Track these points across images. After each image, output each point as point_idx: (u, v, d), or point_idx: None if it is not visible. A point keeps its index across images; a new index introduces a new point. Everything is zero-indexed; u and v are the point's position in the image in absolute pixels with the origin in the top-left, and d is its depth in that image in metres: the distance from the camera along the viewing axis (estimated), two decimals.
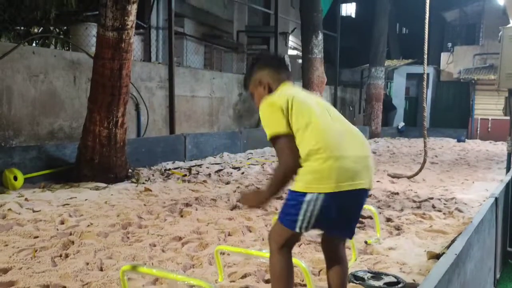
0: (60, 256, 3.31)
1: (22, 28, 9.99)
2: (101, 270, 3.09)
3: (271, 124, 2.11)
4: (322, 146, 2.03)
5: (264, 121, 2.15)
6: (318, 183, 2.02)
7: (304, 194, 2.04)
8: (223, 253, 3.39)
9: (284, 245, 2.13)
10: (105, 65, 5.88)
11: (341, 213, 2.08)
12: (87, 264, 3.13)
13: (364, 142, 2.20)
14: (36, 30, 10.30)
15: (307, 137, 2.05)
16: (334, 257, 2.31)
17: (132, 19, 5.94)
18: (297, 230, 2.09)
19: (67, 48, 9.83)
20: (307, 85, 12.00)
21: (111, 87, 5.93)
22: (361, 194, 2.14)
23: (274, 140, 2.10)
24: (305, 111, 2.11)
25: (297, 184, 2.07)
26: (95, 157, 6.08)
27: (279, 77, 2.27)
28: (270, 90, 2.27)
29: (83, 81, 7.62)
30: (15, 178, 5.55)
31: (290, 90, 2.23)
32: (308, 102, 2.16)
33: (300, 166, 2.07)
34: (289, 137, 2.08)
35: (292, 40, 18.97)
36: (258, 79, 2.30)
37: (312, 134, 2.05)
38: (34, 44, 9.85)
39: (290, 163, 2.07)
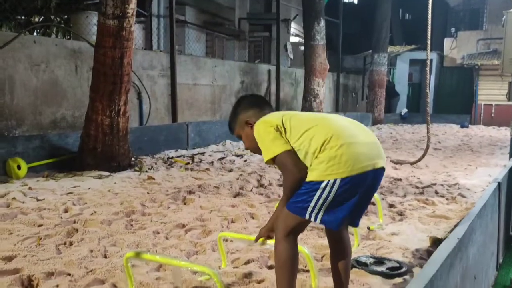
0: (64, 244, 3.33)
1: (23, 17, 9.96)
2: (105, 257, 3.11)
3: (267, 146, 2.12)
4: (334, 134, 2.04)
5: (259, 142, 2.17)
6: (334, 169, 2.00)
7: (320, 182, 2.01)
8: (226, 240, 3.40)
9: (290, 233, 2.11)
10: (106, 54, 5.86)
11: (357, 197, 2.06)
12: (91, 251, 3.15)
13: (370, 131, 2.23)
14: (36, 19, 10.27)
15: (317, 132, 2.06)
16: (338, 242, 2.31)
17: (132, 7, 5.91)
18: (307, 217, 2.05)
19: (68, 37, 9.81)
20: (309, 72, 11.96)
21: (112, 75, 5.92)
22: (378, 175, 2.14)
23: (274, 159, 2.11)
24: (305, 117, 2.19)
25: (311, 174, 2.04)
26: (97, 146, 6.09)
27: (264, 114, 2.28)
28: None
29: (84, 70, 7.61)
30: (19, 167, 5.58)
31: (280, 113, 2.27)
32: (304, 112, 2.27)
33: (305, 177, 2.07)
34: (288, 151, 2.08)
35: (294, 27, 18.85)
36: (243, 120, 2.31)
37: (321, 128, 2.07)
38: (35, 34, 9.83)
39: (296, 173, 2.06)
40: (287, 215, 2.10)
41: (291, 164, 2.07)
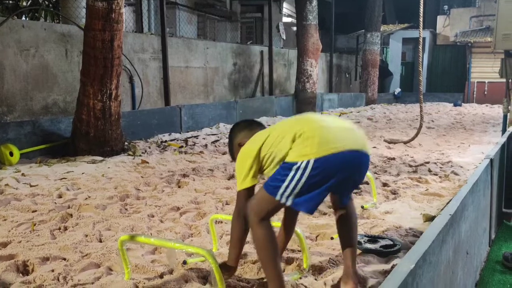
0: (59, 229, 3.33)
1: (10, 1, 9.78)
2: (100, 241, 3.11)
3: (238, 178, 2.25)
4: (309, 123, 2.12)
5: (236, 170, 2.29)
6: (308, 151, 2.01)
7: (294, 163, 2.03)
8: (221, 222, 3.42)
9: (264, 218, 2.12)
10: (96, 37, 5.78)
11: (335, 180, 2.05)
12: (86, 236, 3.15)
13: (348, 122, 2.24)
14: (24, 3, 10.09)
15: (293, 126, 2.12)
16: (342, 212, 2.36)
17: None
18: (278, 197, 2.05)
19: (57, 20, 9.65)
20: (302, 52, 11.89)
21: (103, 59, 5.86)
22: (358, 157, 2.09)
23: (239, 191, 2.26)
24: (284, 127, 2.21)
25: (289, 156, 2.07)
26: (90, 131, 6.05)
27: (255, 133, 2.34)
28: None
29: (75, 54, 7.52)
30: (11, 154, 5.54)
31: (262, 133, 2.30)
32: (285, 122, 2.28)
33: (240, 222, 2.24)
34: (246, 190, 2.22)
35: (287, 7, 18.68)
36: (237, 143, 2.42)
37: (296, 123, 2.16)
38: (23, 18, 9.66)
39: (235, 214, 2.29)
40: (262, 195, 2.12)
41: (239, 204, 2.26)
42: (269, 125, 2.41)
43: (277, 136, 2.13)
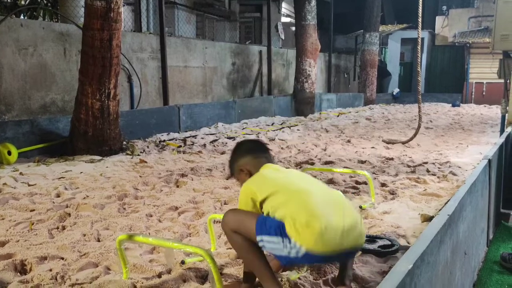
0: (57, 228, 3.32)
1: (8, 0, 9.76)
2: (98, 241, 3.11)
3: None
4: (306, 213, 2.03)
5: (239, 200, 2.30)
6: (303, 238, 2.00)
7: (289, 237, 2.03)
8: (219, 222, 3.41)
9: (237, 232, 2.19)
10: (94, 36, 5.78)
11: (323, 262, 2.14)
12: (84, 235, 3.15)
13: (344, 207, 2.15)
14: (23, 2, 10.08)
15: (293, 209, 2.07)
16: None
17: None
18: (259, 239, 2.11)
19: (56, 19, 9.64)
20: (300, 52, 11.90)
21: (101, 58, 5.85)
22: (351, 253, 2.16)
23: None
24: (285, 192, 2.16)
25: (286, 224, 2.04)
26: (88, 130, 6.05)
27: (259, 162, 2.36)
28: (251, 175, 2.36)
29: (73, 53, 7.51)
30: (9, 153, 5.53)
31: (266, 172, 2.29)
32: (286, 180, 2.23)
33: None
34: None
35: (285, 7, 18.68)
36: (239, 167, 2.41)
37: (296, 205, 2.08)
38: (22, 17, 9.65)
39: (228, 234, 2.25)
40: (248, 222, 2.15)
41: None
42: (273, 160, 2.41)
43: (279, 203, 2.11)
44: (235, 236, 2.20)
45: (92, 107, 5.98)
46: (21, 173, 5.00)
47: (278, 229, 2.06)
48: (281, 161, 5.89)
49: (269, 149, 2.49)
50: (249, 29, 17.32)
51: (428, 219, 3.48)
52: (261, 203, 2.18)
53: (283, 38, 16.21)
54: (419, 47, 6.85)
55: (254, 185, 2.22)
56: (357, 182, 4.77)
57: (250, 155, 2.40)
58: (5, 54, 6.57)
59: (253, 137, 8.02)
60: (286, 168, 2.42)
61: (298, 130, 9.18)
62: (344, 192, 4.28)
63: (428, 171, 5.34)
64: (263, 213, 2.18)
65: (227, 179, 4.92)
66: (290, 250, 2.05)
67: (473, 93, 17.88)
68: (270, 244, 2.09)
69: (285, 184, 2.18)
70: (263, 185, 2.21)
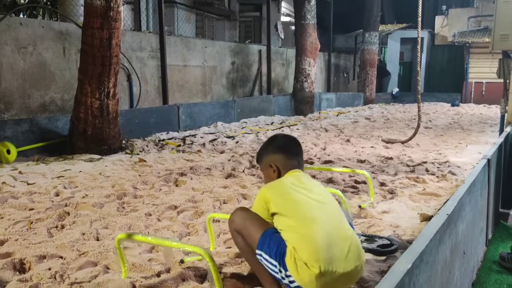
0: (56, 227, 3.32)
1: None
2: (98, 240, 3.11)
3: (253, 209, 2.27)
4: (312, 256, 2.00)
5: (253, 206, 2.29)
6: (300, 278, 2.01)
7: (286, 269, 2.05)
8: (219, 221, 3.41)
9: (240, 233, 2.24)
10: (94, 35, 5.77)
11: None
12: (83, 234, 3.14)
13: (351, 248, 2.09)
14: (22, 1, 10.07)
15: (297, 238, 2.05)
16: None
17: None
18: (258, 252, 2.14)
19: (55, 18, 9.63)
20: (300, 51, 11.90)
21: (101, 57, 5.84)
22: None
23: None
24: (298, 217, 2.11)
25: (293, 268, 2.03)
26: (88, 129, 6.04)
27: (290, 164, 2.32)
28: (279, 175, 2.32)
29: (73, 52, 7.50)
30: (8, 152, 5.53)
31: (288, 184, 2.22)
32: (300, 201, 2.15)
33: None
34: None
35: (285, 7, 18.67)
36: (269, 162, 2.35)
37: (301, 240, 2.04)
38: (21, 15, 9.64)
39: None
40: (254, 230, 2.16)
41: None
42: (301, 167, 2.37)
43: (288, 226, 2.09)
44: (237, 237, 2.24)
45: (91, 106, 5.98)
46: (20, 172, 5.00)
47: (279, 255, 2.07)
48: None
49: (302, 151, 2.44)
50: (249, 28, 17.32)
51: (427, 218, 3.48)
52: (273, 214, 2.18)
53: (282, 37, 16.20)
54: (418, 47, 6.84)
55: (272, 195, 2.18)
56: (356, 182, 4.77)
57: (284, 154, 2.34)
58: (4, 53, 6.56)
59: (252, 136, 8.01)
60: (308, 181, 2.30)
61: (297, 129, 9.18)
62: (343, 191, 4.28)
63: (427, 170, 5.34)
64: (272, 222, 2.17)
65: (226, 178, 4.92)
66: (284, 277, 2.07)
67: (472, 93, 17.88)
68: (267, 262, 2.12)
69: (299, 210, 2.11)
70: (279, 199, 2.16)
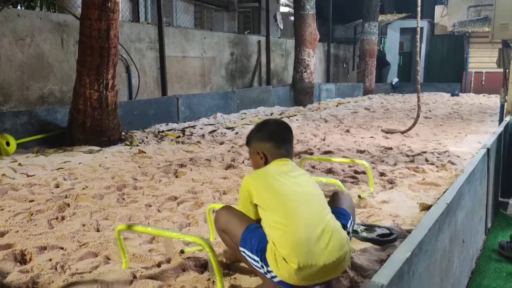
0: (56, 218, 3.33)
1: None
2: (98, 231, 3.11)
3: (239, 205, 2.29)
4: (293, 251, 2.01)
5: (239, 200, 2.30)
6: (281, 272, 2.03)
7: (267, 265, 2.07)
8: None
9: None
10: (92, 26, 5.74)
11: None
12: (84, 225, 3.15)
13: (333, 240, 2.08)
14: None
15: (279, 235, 2.05)
16: None
17: None
18: (241, 248, 2.17)
19: (53, 10, 9.57)
20: (299, 42, 11.85)
21: (99, 48, 5.82)
22: (325, 283, 2.14)
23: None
24: (279, 209, 2.11)
25: (273, 263, 2.05)
26: (87, 121, 6.03)
27: (279, 153, 2.30)
28: (266, 162, 2.31)
29: (71, 44, 7.47)
30: (8, 144, 5.52)
31: (274, 174, 2.20)
32: (286, 196, 2.13)
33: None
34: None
35: None
36: (257, 149, 2.34)
37: (286, 236, 2.03)
38: (18, 7, 9.58)
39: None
40: (237, 228, 2.20)
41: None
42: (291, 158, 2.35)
43: (270, 220, 2.10)
44: (224, 236, 2.31)
45: (90, 97, 5.97)
46: (20, 164, 5.00)
47: (260, 251, 2.09)
48: None
49: (293, 138, 2.43)
50: (248, 19, 17.22)
51: (426, 208, 3.49)
52: (256, 205, 2.19)
53: (281, 28, 16.13)
54: (418, 37, 6.82)
55: (255, 186, 2.18)
56: (356, 172, 4.78)
57: (273, 142, 2.31)
58: (2, 44, 6.53)
59: (252, 127, 8.00)
60: (295, 172, 2.28)
61: (297, 120, 9.17)
62: (343, 181, 4.29)
63: (427, 160, 5.35)
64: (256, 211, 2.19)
65: (226, 169, 4.92)
66: (266, 273, 2.10)
67: (472, 83, 17.85)
68: (250, 259, 2.15)
69: (281, 203, 2.10)
70: (262, 190, 2.16)
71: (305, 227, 2.04)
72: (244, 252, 2.16)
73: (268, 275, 2.09)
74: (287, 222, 2.05)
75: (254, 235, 2.13)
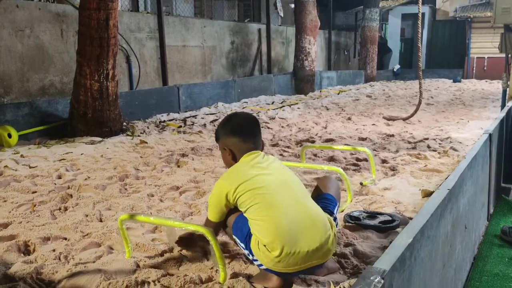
0: (59, 209, 3.34)
1: None
2: (101, 221, 3.12)
3: (211, 208, 2.24)
4: (276, 240, 2.03)
5: (210, 200, 2.25)
6: (266, 260, 2.07)
7: (253, 253, 2.11)
8: None
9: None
10: (91, 16, 5.71)
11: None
12: (86, 216, 3.16)
13: (315, 225, 2.09)
14: None
15: (261, 225, 2.06)
16: None
17: None
18: (234, 238, 2.21)
19: (52, 0, 9.52)
20: (300, 30, 11.78)
21: (99, 38, 5.80)
22: (312, 269, 2.14)
23: (208, 220, 2.26)
24: (258, 201, 2.09)
25: (257, 252, 2.08)
26: (88, 111, 6.03)
27: (246, 147, 2.25)
28: (234, 158, 2.28)
29: (70, 34, 7.44)
30: (9, 136, 5.53)
31: (245, 171, 2.17)
32: (262, 188, 2.10)
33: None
34: (219, 223, 2.24)
35: None
36: (224, 145, 2.30)
37: (267, 226, 2.05)
38: None
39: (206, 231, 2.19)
40: (232, 217, 2.23)
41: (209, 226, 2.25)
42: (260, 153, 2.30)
43: (253, 215, 2.10)
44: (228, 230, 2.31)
45: (91, 88, 5.95)
46: (22, 156, 5.01)
47: (246, 238, 2.13)
48: (281, 140, 5.88)
49: (260, 130, 2.37)
50: (248, 7, 17.09)
51: (428, 194, 3.49)
52: (234, 205, 2.17)
53: (282, 15, 16.01)
54: (419, 23, 6.77)
55: (230, 185, 2.14)
56: (357, 159, 4.77)
57: (238, 137, 2.26)
58: (1, 36, 6.51)
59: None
60: (272, 160, 2.30)
61: (298, 108, 9.15)
62: (345, 169, 4.29)
63: (429, 147, 5.34)
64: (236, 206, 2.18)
65: None
66: (253, 261, 2.14)
67: (474, 68, 17.77)
68: (240, 247, 2.20)
69: (260, 197, 2.08)
70: (238, 187, 2.12)
71: (285, 215, 2.05)
72: (235, 240, 2.20)
73: (256, 263, 2.13)
74: (266, 213, 2.05)
75: (243, 223, 2.14)
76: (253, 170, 2.16)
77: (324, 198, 2.38)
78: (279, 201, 2.08)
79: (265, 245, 2.04)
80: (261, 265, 2.10)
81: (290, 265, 2.03)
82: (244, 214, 2.14)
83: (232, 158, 2.28)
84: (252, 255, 2.11)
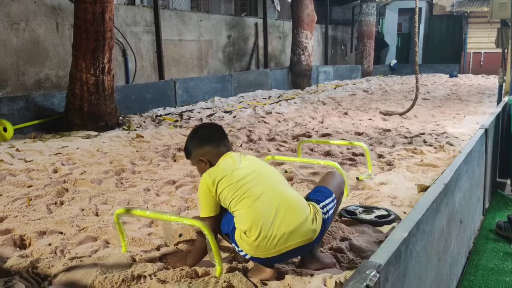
0: (55, 203, 3.33)
1: None
2: (97, 215, 3.12)
3: (201, 206, 2.26)
4: (254, 224, 2.10)
5: (199, 200, 2.30)
6: (248, 248, 2.13)
7: (238, 245, 2.18)
8: None
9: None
10: (86, 9, 5.68)
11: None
12: (82, 210, 3.16)
13: (289, 209, 2.15)
14: None
15: (240, 215, 2.14)
16: None
17: None
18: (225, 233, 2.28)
19: None
20: (297, 24, 11.75)
21: (94, 32, 5.76)
22: (299, 250, 2.18)
23: (202, 218, 2.26)
24: (239, 193, 2.16)
25: (240, 242, 2.16)
26: (84, 106, 6.01)
27: (219, 152, 2.32)
28: (211, 164, 2.32)
29: (66, 28, 7.40)
30: (5, 129, 5.50)
31: (224, 167, 2.23)
32: (240, 181, 2.17)
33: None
34: (213, 218, 2.24)
35: None
36: (199, 157, 2.34)
37: (246, 214, 2.12)
38: None
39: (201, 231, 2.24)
40: (224, 210, 2.27)
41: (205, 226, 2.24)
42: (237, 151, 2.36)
43: (236, 209, 2.15)
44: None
45: (86, 82, 5.93)
46: (17, 150, 4.99)
47: (232, 232, 2.21)
48: (278, 134, 5.88)
49: (225, 133, 2.45)
50: (245, 1, 17.03)
51: (424, 189, 3.50)
52: (218, 195, 2.20)
53: (279, 9, 15.96)
54: (416, 17, 6.77)
55: (212, 179, 2.19)
56: (354, 154, 4.78)
57: (210, 145, 2.33)
58: None
59: (250, 111, 7.98)
60: (250, 157, 2.37)
61: (295, 103, 9.15)
62: (341, 164, 4.29)
63: (425, 142, 5.35)
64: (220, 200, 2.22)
65: None
66: (239, 252, 2.21)
67: (470, 63, 17.78)
68: (229, 242, 2.27)
69: (240, 190, 2.15)
70: (221, 181, 2.18)
71: (261, 201, 2.13)
72: (225, 237, 2.31)
73: (241, 253, 2.20)
74: (244, 203, 2.13)
75: (228, 219, 2.22)
76: (231, 167, 2.23)
77: (315, 190, 2.41)
78: (256, 191, 2.16)
79: (245, 232, 2.12)
80: (246, 254, 2.17)
81: (271, 248, 2.10)
82: (229, 211, 2.20)
83: (209, 166, 2.33)
84: (238, 246, 2.18)
